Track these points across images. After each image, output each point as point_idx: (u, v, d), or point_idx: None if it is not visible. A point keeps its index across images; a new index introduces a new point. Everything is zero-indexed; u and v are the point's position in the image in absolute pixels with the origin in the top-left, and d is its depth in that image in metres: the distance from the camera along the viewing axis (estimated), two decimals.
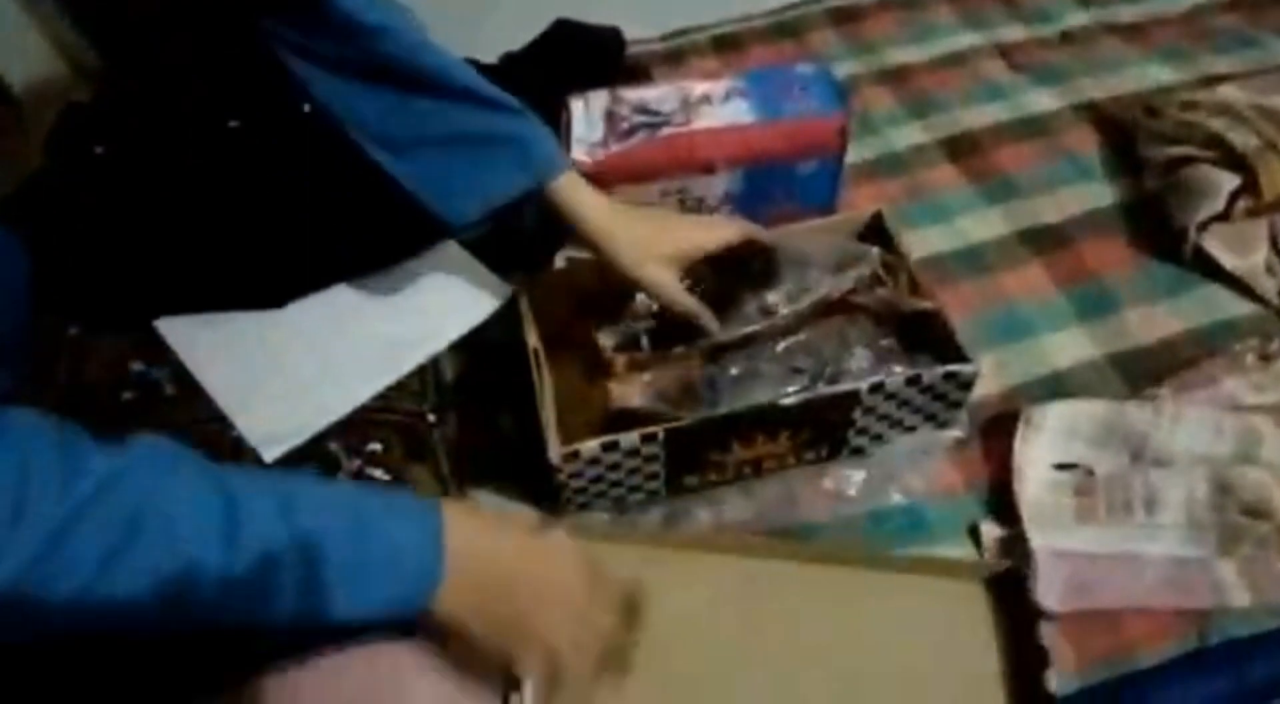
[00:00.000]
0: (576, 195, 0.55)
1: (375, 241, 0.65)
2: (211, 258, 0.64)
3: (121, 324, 0.63)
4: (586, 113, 0.73)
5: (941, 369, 0.54)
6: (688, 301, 0.56)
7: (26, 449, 0.31)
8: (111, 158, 0.74)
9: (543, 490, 0.58)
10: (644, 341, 0.59)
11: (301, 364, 0.59)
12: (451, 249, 0.68)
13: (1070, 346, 0.65)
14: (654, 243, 0.55)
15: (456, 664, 0.44)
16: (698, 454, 0.56)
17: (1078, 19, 0.97)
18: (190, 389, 0.58)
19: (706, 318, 0.57)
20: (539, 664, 0.41)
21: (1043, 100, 0.86)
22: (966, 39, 0.95)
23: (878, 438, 0.59)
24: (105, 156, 0.74)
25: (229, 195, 0.69)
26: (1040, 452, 0.58)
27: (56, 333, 0.63)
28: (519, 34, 0.93)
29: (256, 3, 0.54)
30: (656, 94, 0.74)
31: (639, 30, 0.98)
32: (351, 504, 0.37)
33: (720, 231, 0.57)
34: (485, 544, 0.40)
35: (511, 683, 0.44)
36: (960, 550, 0.55)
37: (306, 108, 0.77)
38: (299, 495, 0.36)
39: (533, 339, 0.57)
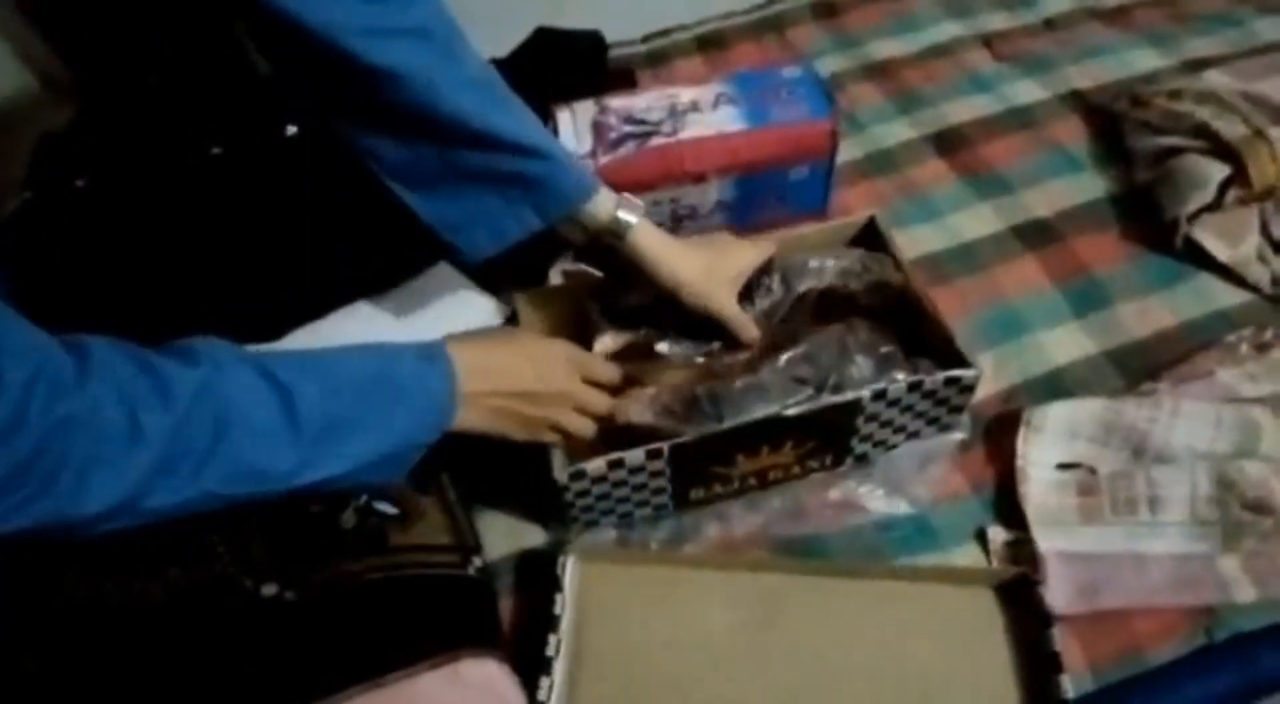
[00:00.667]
0: (647, 239, 0.56)
1: (370, 266, 0.64)
2: (203, 289, 0.63)
3: None
4: (574, 124, 0.73)
5: (943, 375, 0.54)
6: (747, 321, 0.58)
7: (118, 376, 0.36)
8: (93, 190, 0.72)
9: (549, 508, 0.58)
10: (666, 347, 0.59)
11: None
12: (444, 270, 0.67)
13: (1067, 343, 0.65)
14: (716, 270, 0.57)
15: None
16: (703, 468, 0.56)
17: (1061, 4, 0.97)
18: None
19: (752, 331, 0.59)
20: (552, 439, 0.52)
21: (1029, 91, 0.86)
22: (950, 29, 0.95)
23: (881, 444, 0.60)
24: (87, 188, 0.72)
25: (217, 224, 0.68)
26: (1043, 452, 0.58)
27: None
28: (500, 41, 0.91)
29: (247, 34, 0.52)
30: (643, 103, 0.73)
31: (620, 32, 0.97)
32: (378, 371, 0.45)
33: (762, 248, 0.60)
34: (489, 364, 0.49)
35: None
36: (969, 556, 0.55)
37: (291, 130, 0.76)
38: (333, 372, 0.43)
39: None
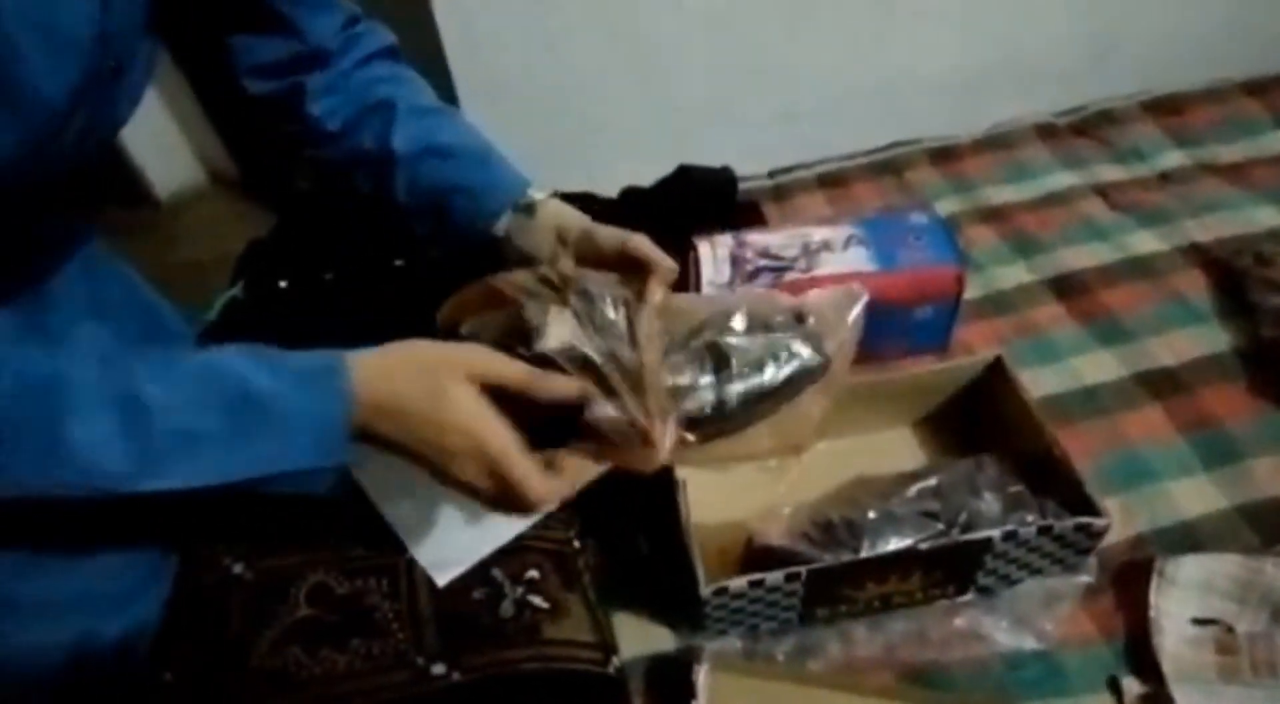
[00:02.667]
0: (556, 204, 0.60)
1: None
2: None
3: None
4: (713, 255, 0.80)
5: (1073, 520, 0.56)
6: (663, 255, 0.57)
7: None
8: (293, 291, 0.84)
9: (683, 615, 0.61)
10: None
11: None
12: None
13: (1197, 495, 0.66)
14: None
15: None
16: (834, 591, 0.58)
17: (1174, 159, 1.01)
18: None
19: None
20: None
21: (1147, 241, 0.89)
22: (1064, 179, 1.00)
23: (1005, 578, 0.61)
24: (288, 289, 0.84)
25: (396, 330, 0.77)
26: (1177, 605, 0.58)
27: None
28: (641, 172, 1.02)
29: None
30: (778, 239, 0.80)
31: (746, 167, 1.07)
32: (255, 394, 0.42)
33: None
34: (393, 408, 0.44)
35: None
36: None
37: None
38: (205, 384, 0.42)
39: (680, 470, 0.62)
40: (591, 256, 0.58)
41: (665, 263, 0.55)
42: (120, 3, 0.42)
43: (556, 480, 0.47)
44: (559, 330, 0.49)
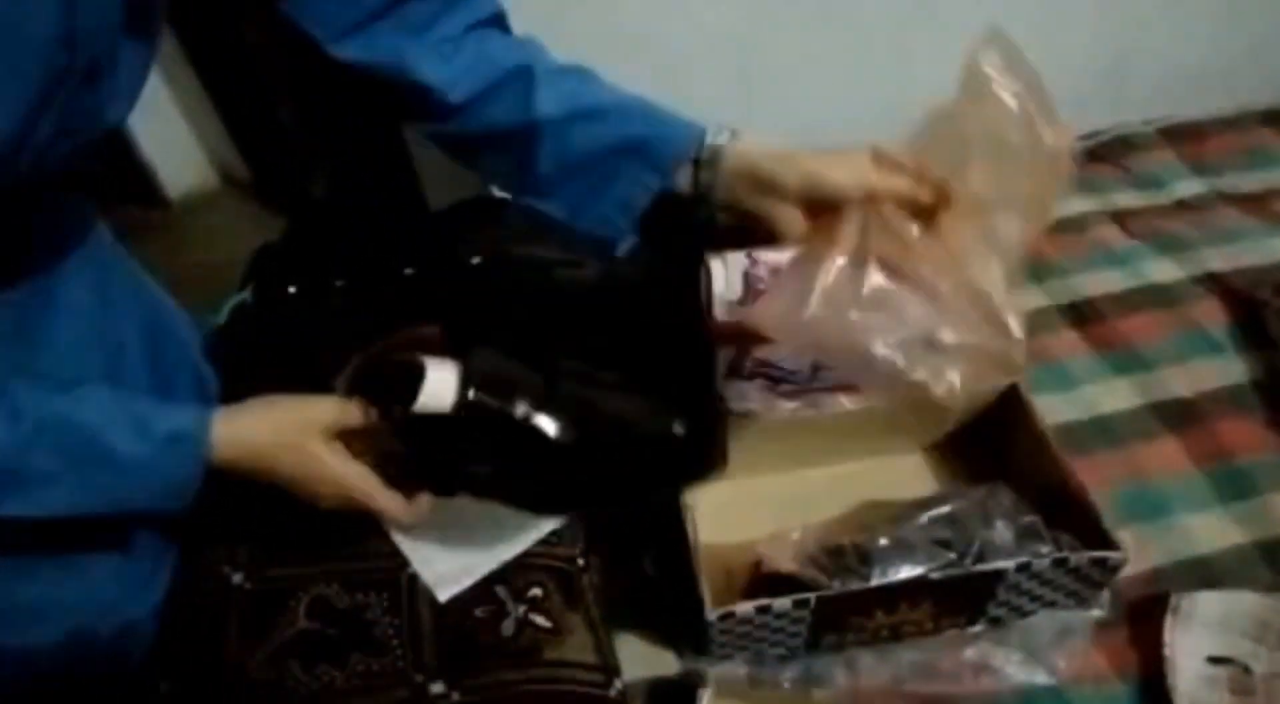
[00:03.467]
0: (758, 146, 0.52)
1: None
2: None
3: None
4: (725, 272, 0.79)
5: (1089, 554, 0.55)
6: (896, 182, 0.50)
7: None
8: (303, 297, 0.83)
9: (687, 639, 0.60)
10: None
11: (473, 509, 0.63)
12: None
13: (1213, 530, 0.65)
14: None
15: None
16: (842, 618, 0.57)
17: (1191, 187, 1.00)
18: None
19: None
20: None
21: (1164, 269, 0.88)
22: (1079, 204, 0.99)
23: (1016, 610, 0.60)
24: (297, 296, 0.83)
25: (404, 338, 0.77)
26: (1193, 643, 0.57)
27: None
28: None
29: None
30: (791, 257, 0.79)
31: None
32: (103, 441, 0.43)
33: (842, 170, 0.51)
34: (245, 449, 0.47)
35: None
36: None
37: (475, 260, 0.86)
38: (54, 423, 0.43)
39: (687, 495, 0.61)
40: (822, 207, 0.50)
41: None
42: (89, 3, 0.40)
43: (411, 510, 0.52)
44: (435, 389, 0.49)
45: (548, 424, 0.50)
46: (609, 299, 0.83)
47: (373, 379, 0.57)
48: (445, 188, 1.18)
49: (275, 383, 0.76)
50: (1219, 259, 0.88)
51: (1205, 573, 0.62)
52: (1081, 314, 0.84)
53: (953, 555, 0.56)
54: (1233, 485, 0.67)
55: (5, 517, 0.43)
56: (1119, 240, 0.93)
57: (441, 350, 0.53)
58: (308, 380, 0.76)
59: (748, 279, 0.79)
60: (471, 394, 0.48)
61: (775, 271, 0.79)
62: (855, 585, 0.54)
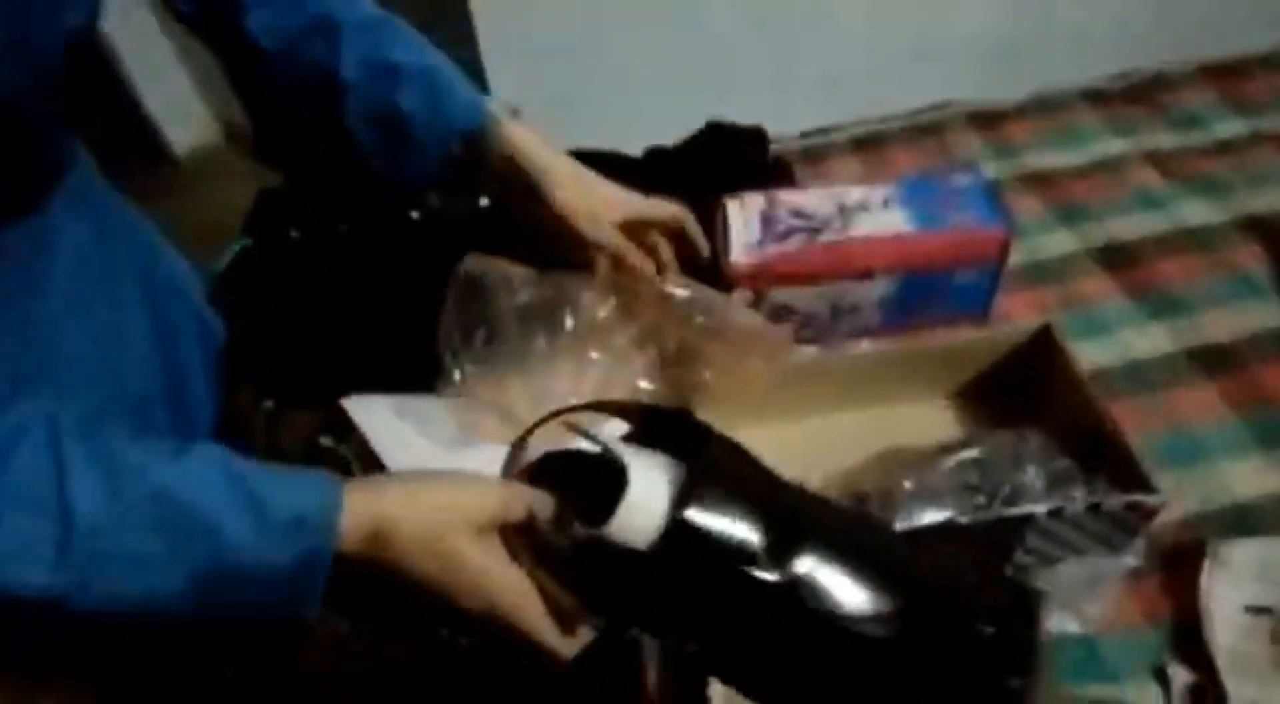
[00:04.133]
0: (529, 141, 0.55)
1: None
2: (396, 340, 0.69)
3: (313, 399, 0.68)
4: (743, 215, 0.76)
5: (1125, 498, 0.53)
6: (620, 238, 0.57)
7: None
8: (305, 241, 0.81)
9: None
10: None
11: (478, 445, 0.62)
12: None
13: (1253, 477, 0.62)
14: (605, 201, 0.58)
15: None
16: None
17: (1232, 127, 0.95)
18: (374, 467, 0.62)
19: (638, 258, 0.59)
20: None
21: (1202, 212, 0.84)
22: (1115, 146, 0.94)
23: (1045, 558, 0.58)
24: (300, 240, 0.81)
25: (411, 283, 0.74)
26: (1229, 592, 0.55)
27: (253, 405, 0.68)
28: (667, 131, 0.98)
29: None
30: (812, 199, 0.76)
31: (777, 127, 1.02)
32: (218, 539, 0.35)
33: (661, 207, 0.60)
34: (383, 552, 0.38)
35: None
36: (1145, 694, 0.52)
37: (483, 202, 0.83)
38: (153, 512, 0.35)
39: None
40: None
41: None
42: None
43: (573, 641, 0.41)
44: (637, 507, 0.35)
45: (814, 586, 0.34)
46: None
47: (556, 461, 0.43)
48: None
49: (281, 330, 0.75)
50: (1260, 202, 0.84)
51: (1243, 520, 0.60)
52: (1116, 258, 0.81)
53: (981, 499, 0.54)
54: (1273, 432, 0.65)
55: (90, 608, 0.34)
56: (1156, 183, 0.89)
57: (647, 432, 0.40)
58: (314, 326, 0.74)
59: (766, 221, 0.75)
60: (689, 516, 0.34)
61: (796, 213, 0.76)
62: None
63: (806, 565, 0.35)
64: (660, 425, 0.42)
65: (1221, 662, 0.52)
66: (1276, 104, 0.97)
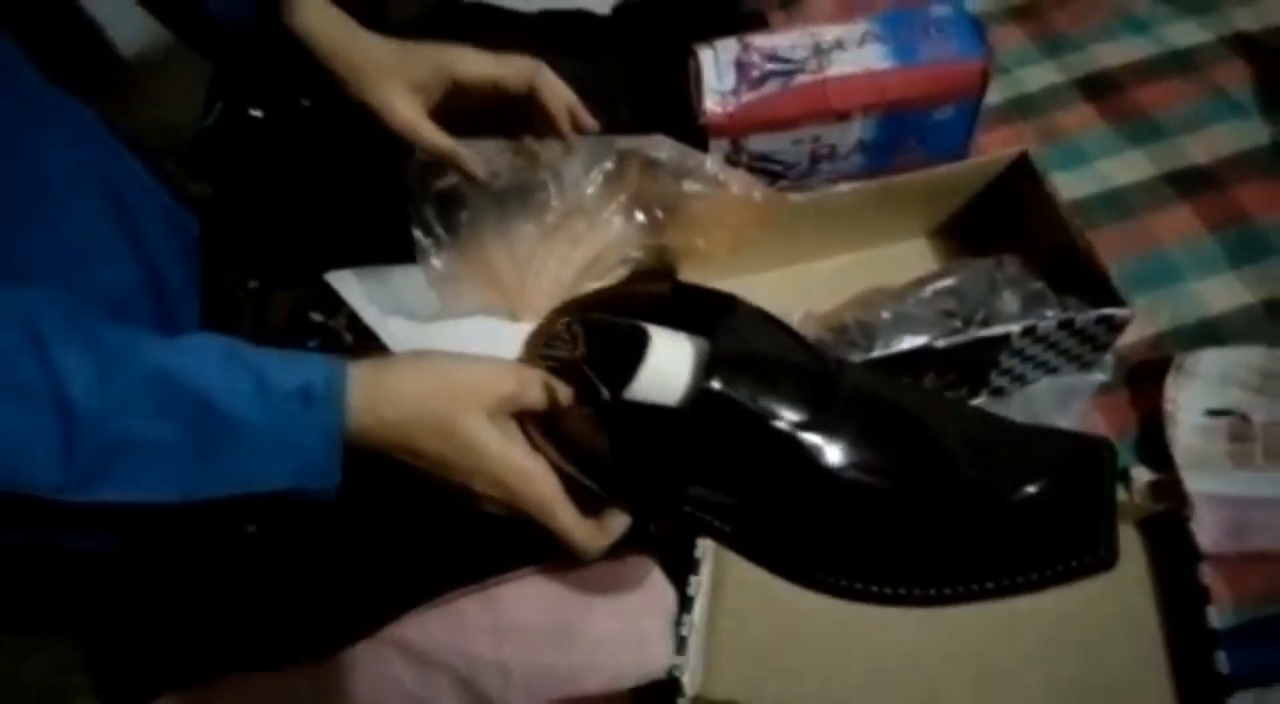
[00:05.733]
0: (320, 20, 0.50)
1: None
2: (374, 211, 0.69)
3: (297, 276, 0.68)
4: (716, 62, 0.74)
5: (1095, 313, 0.54)
6: (441, 139, 0.51)
7: None
8: (268, 121, 0.78)
9: None
10: None
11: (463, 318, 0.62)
12: None
13: (1223, 293, 0.64)
14: (398, 64, 0.50)
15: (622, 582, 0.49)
16: None
17: None
18: (366, 336, 0.63)
19: (467, 159, 0.52)
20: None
21: (1188, 33, 0.81)
22: None
23: (1020, 378, 0.60)
24: (263, 120, 0.78)
25: (381, 150, 0.73)
26: (1193, 397, 0.57)
27: (238, 286, 0.69)
28: None
29: None
30: (787, 41, 0.73)
31: None
32: (223, 408, 0.34)
33: (471, 57, 0.51)
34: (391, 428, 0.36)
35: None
36: None
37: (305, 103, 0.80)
38: (161, 388, 0.34)
39: None
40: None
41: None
42: None
43: (599, 535, 0.39)
44: (661, 368, 0.34)
45: (832, 447, 0.33)
46: (587, 99, 0.78)
47: (574, 341, 0.41)
48: None
49: (257, 209, 0.74)
50: (1249, 18, 0.82)
51: (1212, 334, 0.62)
52: (1098, 86, 0.79)
53: (957, 323, 0.55)
54: (1246, 248, 0.66)
55: (107, 499, 0.33)
56: (1141, 5, 0.85)
57: (677, 319, 0.38)
58: (290, 203, 0.73)
59: (740, 67, 0.73)
60: (715, 384, 0.32)
61: (770, 57, 0.73)
62: (858, 358, 0.54)
63: (834, 422, 0.34)
64: (683, 303, 0.40)
65: (1180, 459, 0.55)
66: None
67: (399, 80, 0.51)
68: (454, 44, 0.53)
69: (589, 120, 0.57)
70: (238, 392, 0.34)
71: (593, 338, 0.40)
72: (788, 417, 0.33)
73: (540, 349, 0.42)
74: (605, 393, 0.35)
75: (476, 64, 0.51)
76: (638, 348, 0.34)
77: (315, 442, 0.35)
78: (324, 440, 0.35)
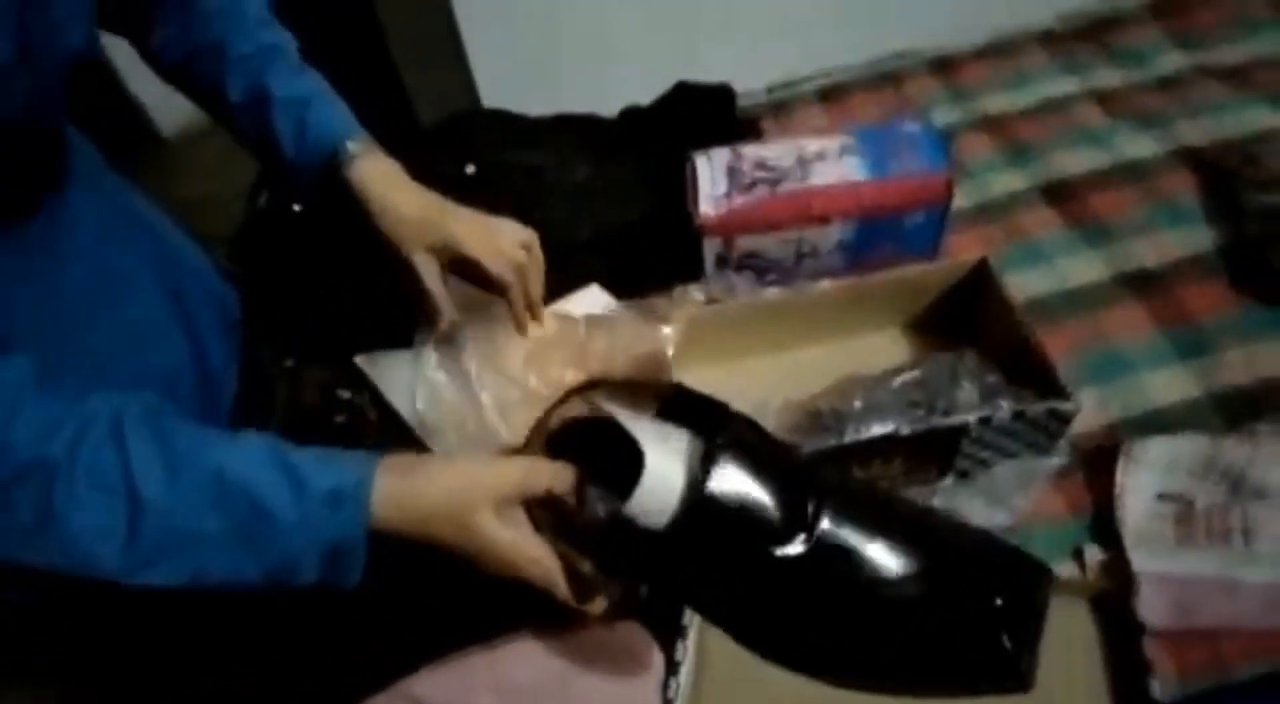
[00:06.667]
0: (375, 174, 0.58)
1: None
2: (399, 301, 0.76)
3: (329, 356, 0.75)
4: (710, 169, 0.82)
5: (1043, 405, 0.60)
6: (444, 299, 0.60)
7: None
8: (307, 215, 0.87)
9: None
10: None
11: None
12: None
13: (1171, 385, 0.70)
14: (423, 230, 0.59)
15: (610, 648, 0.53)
16: None
17: (1175, 62, 1.00)
18: (388, 415, 0.70)
19: (450, 315, 0.61)
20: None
21: (1141, 145, 0.90)
22: (1063, 86, 1.00)
23: (982, 462, 0.66)
24: (302, 214, 0.87)
25: None
26: (1143, 482, 0.63)
27: (274, 363, 0.76)
28: (641, 90, 1.03)
29: None
30: (774, 151, 0.82)
31: (746, 81, 1.07)
32: (261, 507, 0.40)
33: (476, 239, 0.59)
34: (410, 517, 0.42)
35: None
36: (1065, 572, 0.61)
37: (470, 170, 0.89)
38: (208, 488, 0.39)
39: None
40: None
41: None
42: None
43: (596, 602, 0.46)
44: (655, 486, 0.38)
45: (834, 554, 0.37)
46: (599, 198, 0.86)
47: (577, 435, 0.46)
48: (435, 102, 1.20)
49: (293, 295, 0.81)
50: (1196, 132, 0.90)
51: (1160, 423, 0.68)
52: (1058, 192, 0.87)
53: (921, 413, 0.61)
54: (1191, 343, 0.72)
55: (154, 583, 0.39)
56: (1098, 120, 0.94)
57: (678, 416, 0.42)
58: (324, 290, 0.81)
59: (732, 174, 0.82)
60: (706, 497, 0.37)
61: (759, 165, 0.82)
62: (831, 443, 0.60)
63: (826, 534, 0.38)
64: (681, 404, 0.46)
65: (1129, 540, 0.60)
66: (1221, 37, 1.01)
67: (420, 243, 0.59)
68: (471, 215, 0.61)
69: (533, 327, 0.65)
70: (279, 491, 0.40)
71: (593, 437, 0.45)
72: (763, 544, 0.38)
73: (543, 437, 0.48)
74: (601, 509, 0.41)
75: (474, 249, 0.59)
76: (636, 452, 0.38)
77: (342, 541, 0.41)
78: (351, 539, 0.41)
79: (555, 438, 0.47)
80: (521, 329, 0.64)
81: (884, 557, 0.39)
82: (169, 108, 2.20)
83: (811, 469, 0.42)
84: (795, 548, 0.38)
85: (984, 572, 0.40)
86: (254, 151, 0.62)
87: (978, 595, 0.39)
